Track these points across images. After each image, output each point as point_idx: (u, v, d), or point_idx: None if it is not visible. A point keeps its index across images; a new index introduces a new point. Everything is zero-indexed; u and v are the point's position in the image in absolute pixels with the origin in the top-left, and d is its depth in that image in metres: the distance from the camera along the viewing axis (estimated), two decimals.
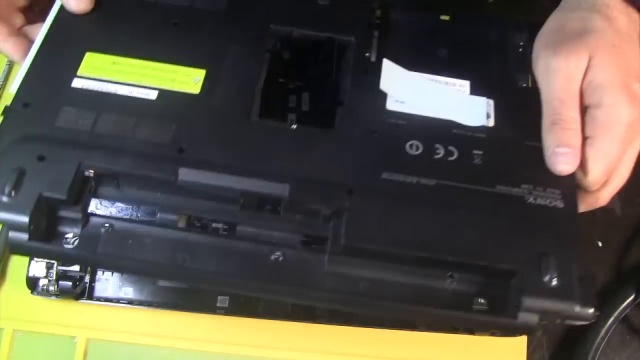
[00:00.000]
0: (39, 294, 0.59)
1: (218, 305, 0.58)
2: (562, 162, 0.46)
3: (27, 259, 0.59)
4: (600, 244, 0.62)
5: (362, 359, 0.58)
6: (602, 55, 0.47)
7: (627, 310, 0.58)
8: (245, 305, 0.58)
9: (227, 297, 0.58)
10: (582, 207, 0.47)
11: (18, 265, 0.61)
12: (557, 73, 0.48)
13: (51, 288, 0.58)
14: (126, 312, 0.59)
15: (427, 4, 0.65)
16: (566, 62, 0.47)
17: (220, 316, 0.58)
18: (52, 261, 0.58)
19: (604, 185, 0.47)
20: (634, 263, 0.62)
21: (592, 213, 0.59)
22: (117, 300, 0.59)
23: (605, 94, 0.46)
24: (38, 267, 0.59)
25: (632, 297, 0.58)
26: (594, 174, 0.46)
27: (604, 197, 0.48)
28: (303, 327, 0.58)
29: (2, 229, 0.52)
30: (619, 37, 0.49)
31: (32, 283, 0.59)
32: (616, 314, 0.58)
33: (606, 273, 0.61)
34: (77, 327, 0.60)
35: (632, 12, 0.51)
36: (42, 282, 0.59)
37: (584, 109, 0.47)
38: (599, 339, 0.58)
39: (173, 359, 0.59)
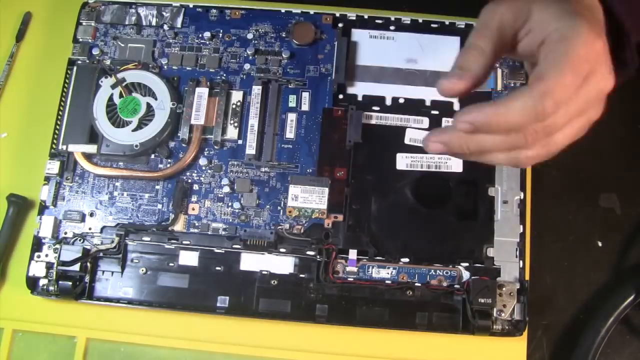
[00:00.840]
0: (39, 294, 0.59)
1: (218, 305, 0.58)
2: (444, 81, 0.42)
3: (27, 259, 0.59)
4: (600, 244, 0.62)
5: (362, 359, 0.58)
6: (542, 11, 0.41)
7: (627, 310, 0.58)
8: (245, 306, 0.58)
9: (227, 297, 0.58)
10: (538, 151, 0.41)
11: (18, 265, 0.61)
12: (484, 12, 0.43)
13: (51, 288, 0.58)
14: (126, 312, 0.59)
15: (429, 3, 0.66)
16: (496, 8, 0.43)
17: (220, 317, 0.58)
18: (52, 261, 0.58)
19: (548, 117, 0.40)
20: (634, 263, 0.62)
21: (592, 212, 0.60)
22: (117, 300, 0.59)
23: (558, 22, 0.41)
24: (38, 267, 0.59)
25: (632, 297, 0.58)
26: (533, 90, 0.39)
27: (538, 150, 0.41)
28: (302, 327, 0.58)
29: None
30: None
31: (32, 283, 0.59)
32: (616, 314, 0.58)
33: (606, 273, 0.61)
34: (77, 327, 0.59)
35: None
36: (42, 282, 0.59)
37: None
38: (599, 339, 0.58)
39: (173, 359, 0.59)
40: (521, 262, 0.58)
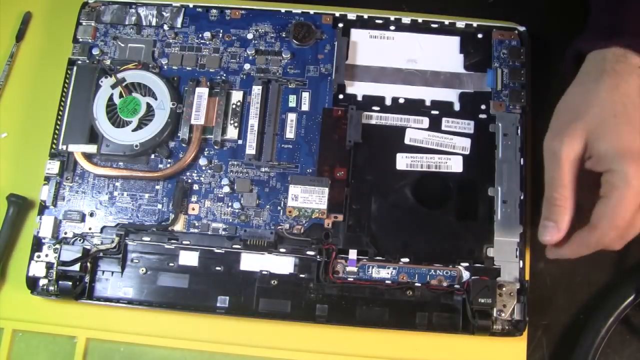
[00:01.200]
0: (38, 294, 0.59)
1: (218, 305, 0.58)
2: (543, 233, 0.51)
3: (27, 259, 0.59)
4: None
5: (362, 359, 0.58)
6: (601, 129, 0.49)
7: (627, 310, 0.58)
8: (245, 306, 0.58)
9: (227, 297, 0.58)
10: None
11: (18, 265, 0.61)
12: (551, 156, 0.51)
13: (51, 288, 0.58)
14: (126, 312, 0.59)
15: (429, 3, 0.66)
16: (562, 148, 0.50)
17: (220, 317, 0.58)
18: (52, 261, 0.58)
19: (620, 237, 0.50)
20: (634, 263, 0.62)
21: None
22: (117, 300, 0.59)
23: (611, 161, 0.49)
24: (38, 267, 0.59)
25: (632, 297, 0.58)
26: (598, 230, 0.49)
27: (615, 246, 0.51)
28: (302, 327, 0.58)
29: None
30: (623, 104, 0.50)
31: (31, 283, 0.59)
32: (616, 314, 0.58)
33: (606, 273, 0.61)
34: (77, 327, 0.59)
35: None
36: (42, 282, 0.59)
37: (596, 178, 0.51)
38: (599, 339, 0.58)
39: (173, 359, 0.59)
40: (521, 262, 0.58)
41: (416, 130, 0.61)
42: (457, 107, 0.62)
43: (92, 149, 0.61)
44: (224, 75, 0.63)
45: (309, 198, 0.58)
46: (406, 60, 0.63)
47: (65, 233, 0.60)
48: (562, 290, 0.61)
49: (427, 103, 0.62)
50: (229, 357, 0.59)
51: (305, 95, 0.62)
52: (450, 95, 0.62)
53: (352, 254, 0.58)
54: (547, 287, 0.60)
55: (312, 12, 0.64)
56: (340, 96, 0.62)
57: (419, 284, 0.58)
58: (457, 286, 0.58)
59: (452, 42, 0.64)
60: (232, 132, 0.61)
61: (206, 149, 0.61)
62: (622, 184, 0.48)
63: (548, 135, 0.52)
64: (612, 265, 0.62)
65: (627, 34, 0.52)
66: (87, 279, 0.59)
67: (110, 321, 0.59)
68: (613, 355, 0.59)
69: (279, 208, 0.60)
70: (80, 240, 0.60)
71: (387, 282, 0.58)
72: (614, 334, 0.58)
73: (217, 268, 0.59)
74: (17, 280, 0.60)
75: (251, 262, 0.59)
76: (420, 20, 0.64)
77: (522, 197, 0.59)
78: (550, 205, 0.51)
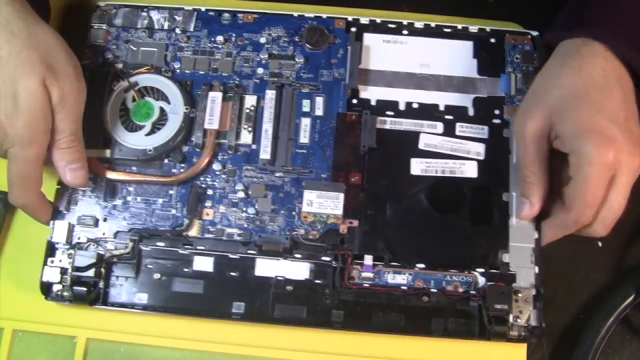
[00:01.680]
0: (52, 299, 0.58)
1: (233, 311, 0.58)
2: (522, 209, 0.57)
3: (25, 259, 0.59)
4: (600, 244, 0.62)
5: None
6: (563, 110, 0.52)
7: (627, 310, 0.59)
8: (261, 312, 0.58)
9: (243, 303, 0.58)
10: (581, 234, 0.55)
11: (18, 265, 0.61)
12: (519, 136, 0.56)
13: (65, 294, 0.58)
14: (126, 312, 0.59)
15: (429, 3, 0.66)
16: (525, 126, 0.54)
17: (236, 322, 0.58)
18: (66, 266, 0.58)
19: (594, 219, 0.52)
20: (634, 263, 0.62)
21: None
22: (132, 306, 0.59)
23: (573, 141, 0.51)
24: (52, 273, 0.58)
25: (632, 297, 0.58)
26: (573, 210, 0.52)
27: (597, 229, 0.53)
28: (318, 333, 0.58)
29: None
30: (585, 85, 0.52)
31: (46, 288, 0.58)
32: (616, 313, 0.58)
33: (606, 273, 0.61)
34: (77, 327, 0.59)
35: (610, 56, 0.53)
36: (56, 287, 0.58)
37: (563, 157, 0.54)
38: (598, 339, 0.58)
39: (173, 359, 0.59)
40: (537, 267, 0.58)
41: (430, 136, 0.61)
42: (471, 112, 0.62)
43: (105, 153, 0.60)
44: (237, 79, 0.63)
45: (324, 203, 0.58)
46: (419, 65, 0.63)
47: (79, 238, 0.59)
48: (562, 290, 0.61)
49: (441, 108, 0.62)
50: (229, 357, 0.59)
51: (319, 100, 0.62)
52: (464, 100, 0.62)
53: (368, 259, 0.58)
54: (547, 287, 0.59)
55: (324, 16, 0.64)
56: (354, 101, 0.62)
57: (435, 290, 0.58)
58: (472, 292, 0.58)
59: (465, 47, 0.64)
60: (246, 137, 0.61)
61: (220, 154, 0.61)
62: (584, 163, 0.50)
63: (515, 118, 0.57)
64: (612, 265, 0.62)
65: (593, 25, 0.54)
66: (101, 284, 0.58)
67: (110, 321, 0.59)
68: (613, 355, 0.60)
69: (293, 213, 0.59)
70: (94, 245, 0.59)
71: (402, 287, 0.58)
72: (614, 334, 0.59)
73: (232, 274, 0.59)
74: (17, 280, 0.60)
75: (266, 267, 0.59)
76: (433, 24, 0.64)
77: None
78: (523, 182, 0.56)
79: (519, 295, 0.57)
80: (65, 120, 0.54)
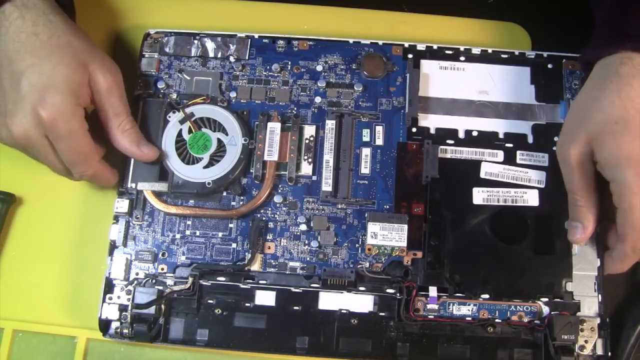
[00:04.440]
0: (111, 337, 0.57)
1: (297, 346, 0.57)
2: (572, 234, 0.56)
3: (25, 258, 0.59)
4: None
5: None
6: (602, 137, 0.52)
7: None
8: (325, 346, 0.57)
9: (306, 338, 0.58)
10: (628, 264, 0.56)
11: (18, 265, 0.61)
12: (562, 162, 0.55)
13: (125, 331, 0.57)
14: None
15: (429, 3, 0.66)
16: (568, 152, 0.54)
17: (301, 357, 0.58)
18: (125, 303, 0.57)
19: None
20: None
21: None
22: (193, 343, 0.58)
23: (613, 170, 0.51)
24: (110, 310, 0.57)
25: None
26: (627, 241, 0.52)
27: None
28: None
29: None
30: (625, 108, 0.51)
31: (104, 326, 0.57)
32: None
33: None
34: (77, 327, 0.59)
35: None
36: (115, 324, 0.57)
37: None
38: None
39: (173, 359, 0.59)
40: (600, 295, 0.58)
41: (491, 164, 0.61)
42: (530, 139, 0.62)
43: (162, 187, 0.59)
44: (295, 108, 0.62)
45: (388, 235, 0.58)
46: (477, 92, 0.63)
47: (137, 274, 0.58)
48: None
49: (501, 135, 0.62)
50: (229, 357, 0.59)
51: (379, 129, 0.61)
52: (522, 127, 0.62)
53: (433, 291, 0.58)
54: None
55: (380, 42, 0.63)
56: (414, 129, 0.61)
57: (500, 320, 0.58)
58: (537, 322, 0.58)
59: (523, 73, 0.63)
60: (306, 168, 0.60)
61: (280, 186, 0.60)
62: (627, 192, 0.50)
63: (558, 143, 0.56)
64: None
65: (631, 37, 0.53)
66: (161, 320, 0.57)
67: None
68: None
69: (357, 245, 0.59)
70: (152, 280, 0.58)
71: (467, 318, 0.58)
72: None
73: (295, 307, 0.58)
74: (17, 280, 0.60)
75: (330, 301, 0.58)
76: (489, 50, 0.64)
77: (598, 230, 0.59)
78: (573, 206, 0.55)
79: (584, 324, 0.57)
80: (119, 103, 0.56)
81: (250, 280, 0.58)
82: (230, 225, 0.59)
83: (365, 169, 0.60)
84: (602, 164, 0.52)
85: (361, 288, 0.58)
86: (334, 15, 0.68)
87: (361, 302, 0.58)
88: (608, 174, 0.52)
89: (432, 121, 0.62)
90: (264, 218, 0.59)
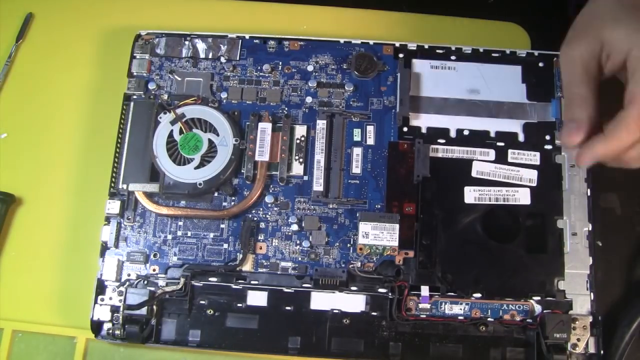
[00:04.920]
0: (103, 338, 0.57)
1: (290, 346, 0.57)
2: (565, 134, 0.49)
3: (24, 259, 0.59)
4: (600, 243, 0.62)
5: None
6: (613, 21, 0.48)
7: None
8: (317, 346, 0.57)
9: (299, 338, 0.57)
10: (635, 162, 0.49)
11: (18, 265, 0.61)
12: (566, 63, 0.50)
13: (117, 332, 0.57)
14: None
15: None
16: (572, 48, 0.50)
17: (293, 357, 0.58)
18: (117, 304, 0.57)
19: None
20: None
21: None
22: (185, 344, 0.58)
23: (627, 42, 0.47)
24: (102, 311, 0.57)
25: None
26: (634, 108, 0.46)
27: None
28: None
29: None
30: None
31: (96, 327, 0.57)
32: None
33: (605, 273, 0.62)
34: (77, 327, 0.59)
35: None
36: (107, 325, 0.57)
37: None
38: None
39: (173, 359, 0.59)
40: (592, 294, 0.58)
41: (483, 163, 0.61)
42: (521, 137, 0.62)
43: (153, 187, 0.59)
44: (286, 109, 0.62)
45: (379, 235, 0.58)
46: (468, 91, 0.63)
47: (129, 275, 0.58)
48: None
49: (492, 134, 0.62)
50: (229, 357, 0.59)
51: (370, 129, 0.61)
52: (514, 125, 0.62)
53: (425, 290, 0.58)
54: None
55: (371, 42, 0.63)
56: (405, 129, 0.61)
57: (492, 319, 0.58)
58: (529, 320, 0.58)
59: (514, 72, 0.63)
60: (297, 168, 0.60)
61: (271, 186, 0.60)
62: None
63: (563, 45, 0.51)
64: (612, 264, 0.62)
65: None
66: (153, 321, 0.57)
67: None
68: None
69: (348, 245, 0.59)
70: (144, 282, 0.58)
71: (460, 318, 0.58)
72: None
73: (287, 308, 0.58)
74: (17, 280, 0.60)
75: (322, 301, 0.58)
76: (481, 49, 0.64)
77: (590, 229, 0.59)
78: (569, 103, 0.50)
79: (577, 322, 0.57)
80: None
81: (242, 281, 0.58)
82: (222, 226, 0.59)
83: (356, 168, 0.60)
84: (615, 43, 0.47)
85: (353, 288, 0.58)
86: (331, 15, 0.68)
87: (353, 302, 0.58)
88: (620, 51, 0.47)
89: (423, 120, 0.62)
90: (255, 218, 0.59)
